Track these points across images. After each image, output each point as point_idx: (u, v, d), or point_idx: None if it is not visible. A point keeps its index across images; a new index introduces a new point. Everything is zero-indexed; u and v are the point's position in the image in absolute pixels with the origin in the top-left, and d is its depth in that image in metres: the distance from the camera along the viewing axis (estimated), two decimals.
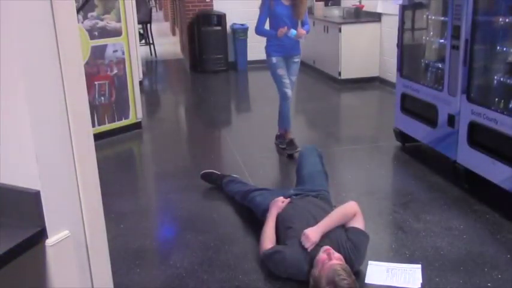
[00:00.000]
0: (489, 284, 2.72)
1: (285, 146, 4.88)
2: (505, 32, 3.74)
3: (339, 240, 2.80)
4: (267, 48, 4.85)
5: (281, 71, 4.74)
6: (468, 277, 2.79)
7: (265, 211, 3.25)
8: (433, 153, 4.37)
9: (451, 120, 3.93)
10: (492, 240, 3.18)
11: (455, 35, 3.80)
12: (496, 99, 3.66)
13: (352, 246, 2.80)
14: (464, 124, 3.81)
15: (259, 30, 4.83)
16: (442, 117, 4.05)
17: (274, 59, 4.76)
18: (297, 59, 4.88)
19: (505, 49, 3.75)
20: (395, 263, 2.91)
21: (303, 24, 4.81)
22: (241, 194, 3.71)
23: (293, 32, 4.61)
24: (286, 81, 4.74)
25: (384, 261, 2.98)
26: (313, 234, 2.76)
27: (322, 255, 2.64)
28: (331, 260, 2.59)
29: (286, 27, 4.59)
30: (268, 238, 3.00)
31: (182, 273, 2.94)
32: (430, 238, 3.23)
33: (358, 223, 2.94)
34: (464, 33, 3.72)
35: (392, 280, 2.79)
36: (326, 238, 2.79)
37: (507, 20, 3.67)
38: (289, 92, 4.75)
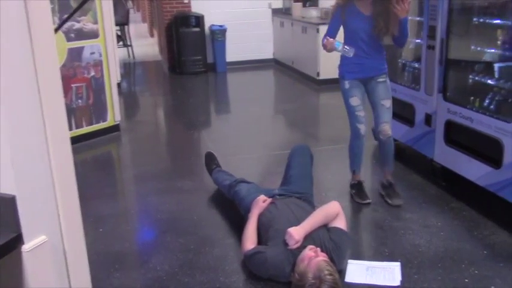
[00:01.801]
0: (467, 280, 2.77)
1: (355, 192, 3.82)
2: (479, 32, 3.81)
3: (322, 241, 2.81)
4: (339, 67, 3.76)
5: (355, 101, 3.60)
6: (446, 273, 2.83)
7: (248, 207, 3.25)
8: (411, 152, 4.42)
9: (428, 119, 3.99)
10: (469, 237, 3.23)
11: (431, 35, 3.85)
12: (472, 98, 3.72)
13: (335, 246, 2.82)
14: (440, 123, 3.86)
15: (322, 44, 3.61)
16: (419, 116, 4.10)
17: (347, 84, 3.63)
18: (382, 79, 3.61)
19: (479, 48, 3.82)
20: (374, 261, 2.94)
21: (394, 39, 3.58)
22: (227, 185, 3.71)
23: (337, 43, 3.44)
24: (361, 114, 3.60)
25: (364, 259, 3.01)
26: (296, 233, 2.77)
27: (308, 252, 2.65)
28: (318, 256, 2.61)
29: (332, 39, 3.46)
30: (250, 239, 3.00)
31: (162, 276, 2.92)
32: (408, 236, 3.27)
33: (340, 223, 2.96)
34: (439, 33, 3.78)
35: (371, 278, 2.81)
36: (309, 238, 2.80)
37: (481, 20, 3.73)
38: (362, 128, 3.61)
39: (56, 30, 2.42)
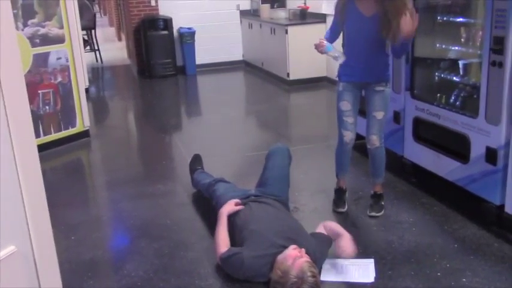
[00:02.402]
0: (439, 274, 2.82)
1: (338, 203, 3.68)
2: (444, 29, 3.88)
3: (308, 246, 2.79)
4: (338, 69, 3.51)
5: (344, 105, 3.39)
6: (419, 268, 2.88)
7: (222, 204, 3.26)
8: None
9: (397, 116, 4.05)
10: (440, 231, 3.29)
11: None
12: (438, 95, 3.80)
13: (320, 256, 2.84)
14: (409, 120, 3.93)
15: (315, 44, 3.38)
16: (388, 114, 4.15)
17: (341, 86, 3.42)
18: (380, 88, 3.34)
19: (444, 46, 3.90)
20: (348, 259, 2.96)
21: (393, 50, 3.34)
22: (207, 183, 3.71)
23: (328, 47, 3.22)
24: (349, 120, 3.40)
25: (338, 257, 3.03)
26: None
27: (293, 251, 2.66)
28: (302, 257, 2.62)
29: (323, 41, 3.26)
30: (223, 241, 2.98)
31: (137, 282, 2.89)
32: (381, 232, 3.31)
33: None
34: None
35: (346, 276, 2.84)
36: (295, 243, 2.77)
37: (445, 18, 3.81)
38: (347, 135, 3.43)
39: None
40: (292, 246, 2.71)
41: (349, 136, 3.44)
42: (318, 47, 3.26)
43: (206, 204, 3.79)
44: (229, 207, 3.16)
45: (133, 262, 3.10)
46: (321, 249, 2.86)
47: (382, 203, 3.57)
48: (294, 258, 2.60)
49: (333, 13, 3.45)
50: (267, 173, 3.53)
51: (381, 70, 3.36)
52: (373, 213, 3.51)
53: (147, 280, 2.91)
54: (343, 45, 3.42)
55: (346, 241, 2.88)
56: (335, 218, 3.59)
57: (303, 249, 2.69)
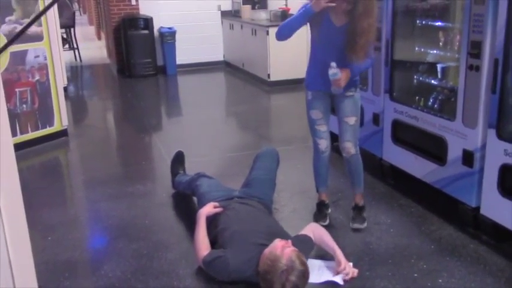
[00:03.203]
0: (416, 275, 2.85)
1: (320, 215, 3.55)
2: (423, 33, 3.93)
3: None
4: (305, 77, 3.41)
5: (315, 114, 3.33)
6: (396, 269, 2.90)
7: (204, 202, 3.26)
8: (361, 152, 4.50)
9: (376, 118, 4.08)
10: (418, 232, 3.33)
11: (377, 36, 3.94)
12: (417, 97, 3.84)
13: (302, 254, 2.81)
14: (388, 122, 3.97)
15: (278, 30, 3.26)
16: (368, 116, 4.19)
17: (309, 94, 3.34)
18: (349, 93, 3.25)
19: (422, 50, 3.95)
20: (326, 261, 2.98)
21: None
22: (188, 180, 3.71)
23: (333, 70, 3.04)
24: (321, 128, 3.35)
25: (317, 258, 3.05)
26: None
27: (279, 242, 2.66)
28: (290, 247, 2.63)
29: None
30: (203, 244, 2.95)
31: (115, 284, 2.86)
32: (359, 234, 3.34)
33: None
34: (384, 35, 3.88)
35: (321, 277, 2.85)
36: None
37: (424, 22, 3.86)
38: (322, 143, 3.38)
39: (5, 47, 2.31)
40: (278, 239, 2.71)
41: (324, 144, 3.39)
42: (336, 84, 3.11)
43: (186, 205, 3.78)
44: (208, 208, 3.15)
45: (111, 263, 3.07)
46: (303, 250, 2.85)
47: (365, 215, 3.46)
48: (282, 247, 2.61)
49: (292, 13, 3.38)
50: (253, 174, 3.54)
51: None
52: (356, 225, 3.38)
53: (124, 281, 2.88)
54: (311, 55, 3.32)
55: (345, 262, 2.84)
56: (313, 220, 3.60)
57: (289, 241, 2.70)
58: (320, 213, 3.55)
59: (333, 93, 3.20)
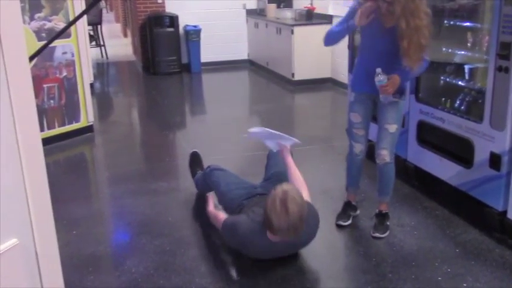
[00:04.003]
0: (439, 278, 2.81)
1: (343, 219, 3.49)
2: (450, 34, 3.87)
3: None
4: (351, 78, 3.38)
5: (355, 117, 3.27)
6: (420, 272, 2.87)
7: (227, 204, 3.35)
8: None
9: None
10: (442, 236, 3.29)
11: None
12: (443, 99, 3.79)
13: (308, 226, 2.90)
14: (413, 123, 3.92)
15: (326, 36, 3.23)
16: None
17: (352, 96, 3.29)
18: (394, 99, 3.12)
19: (450, 50, 3.89)
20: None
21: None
22: (202, 177, 3.75)
23: (379, 77, 2.99)
24: (359, 132, 3.29)
25: (339, 258, 3.04)
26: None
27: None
28: None
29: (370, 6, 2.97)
30: (220, 214, 3.16)
31: (137, 279, 2.89)
32: None
33: (305, 193, 3.06)
34: None
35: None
36: None
37: (451, 23, 3.80)
38: (357, 147, 3.33)
39: (38, 53, 2.34)
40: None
41: (358, 148, 3.35)
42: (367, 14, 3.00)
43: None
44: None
45: (134, 258, 3.11)
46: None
47: (388, 223, 3.35)
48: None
49: (340, 14, 3.40)
50: (271, 170, 3.59)
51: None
52: (377, 234, 3.27)
53: (147, 276, 2.91)
54: (358, 51, 3.25)
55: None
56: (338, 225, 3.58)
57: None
58: (343, 213, 3.52)
59: (382, 101, 3.12)
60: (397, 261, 2.99)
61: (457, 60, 3.88)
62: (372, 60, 3.09)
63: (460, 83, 3.72)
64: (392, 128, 3.18)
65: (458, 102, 3.67)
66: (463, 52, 3.80)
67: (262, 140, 3.46)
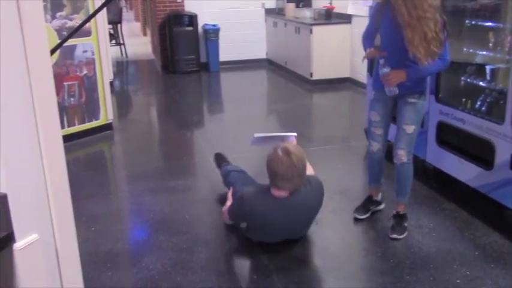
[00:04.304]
0: (458, 281, 2.78)
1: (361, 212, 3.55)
2: (472, 34, 3.83)
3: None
4: (372, 76, 3.45)
5: (374, 116, 3.32)
6: (438, 274, 2.84)
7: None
8: None
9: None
10: (461, 238, 3.25)
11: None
12: (463, 99, 3.74)
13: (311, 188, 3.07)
14: (432, 124, 3.88)
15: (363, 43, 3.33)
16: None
17: (372, 95, 3.38)
18: (412, 99, 3.14)
19: (471, 50, 3.84)
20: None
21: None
22: (222, 175, 3.86)
23: (383, 68, 3.08)
24: (376, 131, 3.33)
25: (357, 259, 3.02)
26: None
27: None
28: None
29: (375, 50, 3.15)
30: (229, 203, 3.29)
31: (155, 276, 2.92)
32: None
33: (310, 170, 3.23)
34: None
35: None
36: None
37: (473, 22, 3.76)
38: (374, 146, 3.37)
39: (58, 47, 2.39)
40: None
41: (375, 146, 3.37)
42: (367, 55, 3.21)
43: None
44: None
45: (151, 255, 3.13)
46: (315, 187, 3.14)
47: (405, 225, 3.31)
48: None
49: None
50: None
51: (414, 83, 3.12)
52: (395, 236, 3.23)
53: (164, 274, 2.93)
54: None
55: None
56: (353, 221, 3.56)
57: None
58: (362, 206, 3.55)
59: (387, 94, 3.13)
60: (415, 263, 2.96)
61: (478, 60, 3.83)
62: (390, 59, 3.09)
63: (481, 83, 3.67)
64: (410, 128, 3.17)
65: (479, 103, 3.63)
66: (484, 52, 3.75)
67: (267, 146, 3.40)
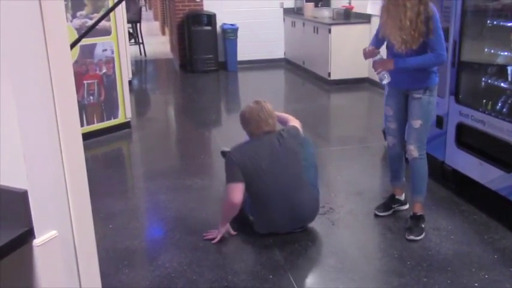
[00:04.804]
0: (476, 284, 2.75)
1: (381, 210, 3.57)
2: (493, 34, 3.77)
3: None
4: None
5: (388, 110, 3.44)
6: (456, 277, 2.81)
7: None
8: None
9: (440, 121, 3.96)
10: (479, 241, 3.21)
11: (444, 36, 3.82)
12: (484, 100, 3.69)
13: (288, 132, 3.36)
14: (452, 125, 3.84)
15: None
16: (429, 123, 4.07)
17: (387, 90, 3.52)
18: (417, 95, 3.22)
19: (492, 51, 3.79)
20: None
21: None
22: None
23: (376, 57, 3.35)
24: (391, 125, 3.42)
25: (372, 261, 2.99)
26: None
27: None
28: None
29: (373, 49, 3.37)
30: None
31: (171, 274, 2.93)
32: None
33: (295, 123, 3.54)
34: (452, 35, 3.75)
35: None
36: None
37: (495, 23, 3.70)
38: (390, 140, 3.46)
39: (76, 43, 2.42)
40: None
41: (391, 141, 3.45)
42: (365, 55, 3.40)
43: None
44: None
45: (167, 253, 3.15)
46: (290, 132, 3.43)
47: (422, 226, 3.30)
48: None
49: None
50: None
51: (418, 77, 3.21)
52: (412, 237, 3.22)
53: (180, 272, 2.94)
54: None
55: None
56: (371, 220, 3.54)
57: None
58: (383, 204, 3.58)
59: (380, 82, 3.35)
60: (432, 266, 2.93)
61: (499, 61, 3.78)
62: (397, 55, 3.22)
63: (502, 85, 3.62)
64: (416, 123, 3.24)
65: (500, 104, 3.57)
66: (506, 53, 3.70)
67: None
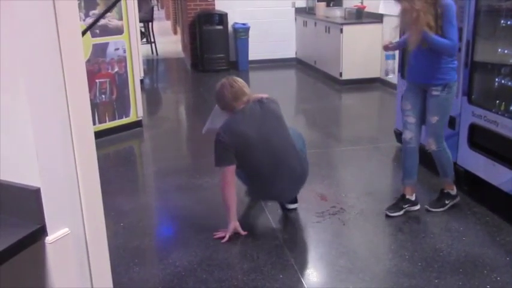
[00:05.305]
0: (488, 286, 2.72)
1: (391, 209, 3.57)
2: (507, 34, 3.74)
3: None
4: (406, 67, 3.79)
5: (405, 105, 3.51)
6: (467, 279, 2.79)
7: None
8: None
9: (452, 121, 3.93)
10: (491, 243, 3.18)
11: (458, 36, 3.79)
12: (497, 101, 3.66)
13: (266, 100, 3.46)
14: (464, 126, 3.81)
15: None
16: (445, 119, 4.04)
17: (405, 85, 3.67)
18: (435, 92, 3.31)
19: (506, 51, 3.76)
20: None
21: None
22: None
23: (388, 55, 3.82)
24: (408, 120, 3.48)
25: (383, 262, 2.98)
26: None
27: None
28: None
29: (389, 44, 3.67)
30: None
31: (181, 272, 2.94)
32: (429, 239, 3.23)
33: None
34: (465, 35, 3.72)
35: None
36: None
37: (509, 23, 3.67)
38: (407, 134, 3.49)
39: (84, 32, 2.45)
40: None
41: (408, 135, 3.49)
42: (385, 49, 3.67)
43: (252, 200, 3.80)
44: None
45: (178, 252, 3.16)
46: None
47: (446, 202, 3.56)
48: None
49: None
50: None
51: (434, 74, 3.31)
52: (428, 208, 3.53)
53: (190, 271, 2.95)
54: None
55: None
56: (382, 221, 3.52)
57: None
58: (394, 205, 3.57)
59: (386, 58, 3.71)
60: (443, 267, 2.91)
61: None
62: (414, 51, 3.38)
63: None
64: (433, 119, 3.40)
65: None
66: None
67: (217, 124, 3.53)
